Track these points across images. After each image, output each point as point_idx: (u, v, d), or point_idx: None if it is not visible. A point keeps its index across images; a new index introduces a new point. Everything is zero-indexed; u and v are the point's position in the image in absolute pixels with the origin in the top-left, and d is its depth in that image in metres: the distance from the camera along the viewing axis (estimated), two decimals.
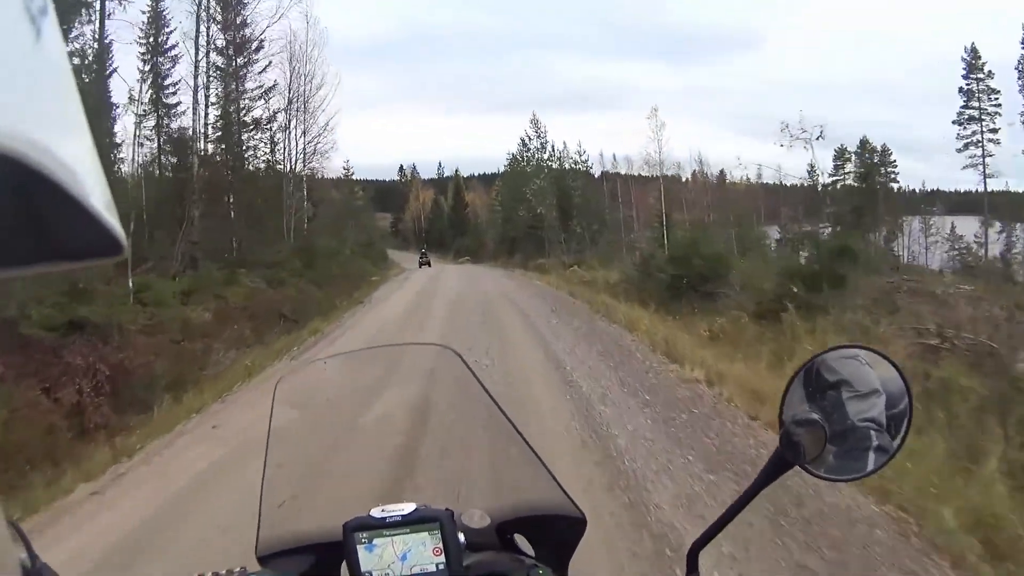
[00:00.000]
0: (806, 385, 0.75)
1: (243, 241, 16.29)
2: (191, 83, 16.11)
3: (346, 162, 42.36)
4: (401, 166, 68.44)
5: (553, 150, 37.23)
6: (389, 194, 64.46)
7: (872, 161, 31.07)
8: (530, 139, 37.77)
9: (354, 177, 45.28)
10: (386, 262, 39.30)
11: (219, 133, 15.48)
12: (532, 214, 32.97)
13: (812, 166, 30.05)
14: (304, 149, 20.20)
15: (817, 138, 13.43)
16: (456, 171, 63.93)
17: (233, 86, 16.49)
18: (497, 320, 10.74)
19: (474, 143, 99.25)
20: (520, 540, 0.92)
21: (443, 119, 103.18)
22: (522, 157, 37.89)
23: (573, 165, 36.16)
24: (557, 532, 0.91)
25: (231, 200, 16.22)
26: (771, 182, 32.24)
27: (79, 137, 0.22)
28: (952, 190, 35.66)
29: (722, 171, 34.98)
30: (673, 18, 78.17)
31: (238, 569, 0.84)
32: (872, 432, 0.73)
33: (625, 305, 12.36)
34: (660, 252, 16.28)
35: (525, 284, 20.31)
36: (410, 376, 1.24)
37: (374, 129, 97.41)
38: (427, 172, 67.70)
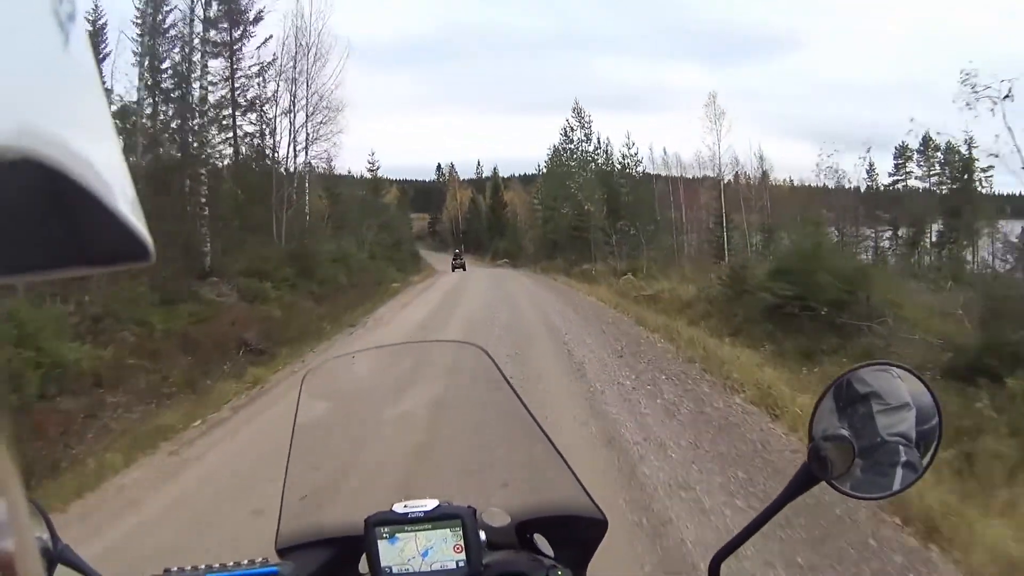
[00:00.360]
0: (836, 399, 0.73)
1: (218, 245, 13.00)
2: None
3: (371, 155, 39.52)
4: (439, 164, 65.94)
5: (599, 143, 33.22)
6: (428, 194, 62.78)
7: (965, 159, 27.12)
8: (572, 130, 33.80)
9: (380, 172, 42.52)
10: (416, 265, 35.98)
11: (174, 106, 12.23)
12: (577, 212, 28.95)
13: (871, 165, 27.38)
14: (306, 129, 16.84)
15: (1004, 98, 9.01)
16: (495, 170, 60.93)
17: (192, 52, 13.19)
18: (532, 372, 6.91)
19: (513, 144, 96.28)
20: (540, 540, 0.92)
21: (482, 119, 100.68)
22: (564, 150, 33.95)
23: (622, 159, 32.05)
24: (577, 533, 0.90)
25: (204, 193, 12.94)
26: (828, 184, 28.68)
27: (106, 141, 0.22)
28: (995, 192, 31.43)
29: (765, 172, 30.58)
30: (714, 16, 73.24)
31: (260, 559, 0.85)
32: (901, 447, 0.72)
33: (726, 344, 8.34)
34: (756, 263, 12.09)
35: (571, 299, 16.36)
36: (437, 373, 1.22)
37: (415, 131, 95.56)
38: (466, 173, 64.94)
